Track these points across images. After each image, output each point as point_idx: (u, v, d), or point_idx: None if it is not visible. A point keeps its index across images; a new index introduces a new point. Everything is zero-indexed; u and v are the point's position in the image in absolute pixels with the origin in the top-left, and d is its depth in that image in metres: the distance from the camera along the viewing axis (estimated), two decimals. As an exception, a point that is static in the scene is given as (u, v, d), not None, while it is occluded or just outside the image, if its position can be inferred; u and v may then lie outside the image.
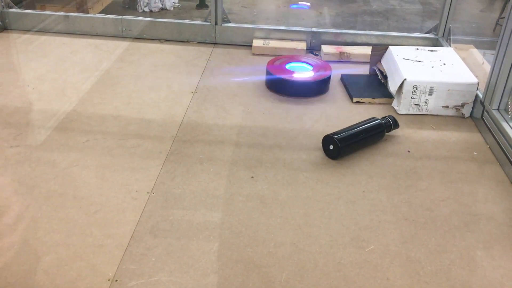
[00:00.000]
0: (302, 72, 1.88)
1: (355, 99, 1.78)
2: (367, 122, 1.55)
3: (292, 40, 2.19)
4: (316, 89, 1.83)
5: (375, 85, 1.89)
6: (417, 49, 1.90)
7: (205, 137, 1.56)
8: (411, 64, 1.77)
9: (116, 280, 1.05)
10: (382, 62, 1.91)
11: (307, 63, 1.93)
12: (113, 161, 1.42)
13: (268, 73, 1.87)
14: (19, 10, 2.27)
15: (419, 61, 1.79)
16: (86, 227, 1.19)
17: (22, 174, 1.35)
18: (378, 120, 1.55)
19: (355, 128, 1.52)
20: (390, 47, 1.89)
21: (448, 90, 1.67)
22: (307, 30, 2.20)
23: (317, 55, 2.16)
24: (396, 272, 1.09)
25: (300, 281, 1.06)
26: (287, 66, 1.90)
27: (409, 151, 1.50)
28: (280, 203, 1.29)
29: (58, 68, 1.94)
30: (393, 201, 1.30)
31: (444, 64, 1.78)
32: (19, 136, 1.51)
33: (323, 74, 1.85)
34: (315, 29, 2.20)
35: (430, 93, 1.68)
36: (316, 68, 1.89)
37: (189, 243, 1.15)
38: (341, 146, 1.44)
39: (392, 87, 1.77)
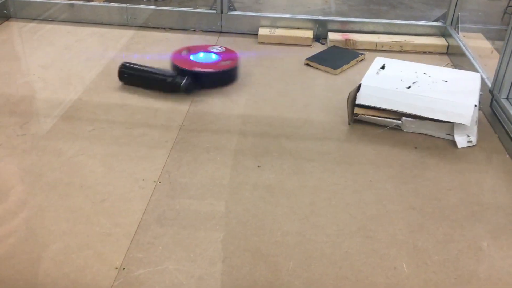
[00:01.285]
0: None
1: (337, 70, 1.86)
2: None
3: (298, 28, 2.17)
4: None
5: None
6: (378, 72, 1.65)
7: (211, 126, 1.55)
8: (433, 86, 1.55)
9: (124, 269, 1.05)
10: (371, 100, 1.54)
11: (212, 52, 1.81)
12: (119, 150, 1.42)
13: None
14: (24, -1, 2.26)
15: (414, 82, 1.58)
16: (93, 216, 1.19)
17: (29, 163, 1.35)
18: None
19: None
20: (363, 82, 1.57)
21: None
22: (313, 18, 2.18)
23: (323, 43, 2.14)
24: (404, 261, 1.09)
25: (307, 270, 1.06)
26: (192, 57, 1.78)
27: (416, 147, 1.48)
28: (287, 193, 1.28)
29: (64, 57, 1.94)
30: (400, 191, 1.30)
31: (430, 77, 1.62)
32: (25, 125, 1.51)
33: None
34: (322, 17, 2.18)
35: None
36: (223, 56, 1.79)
37: (196, 232, 1.15)
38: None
39: (455, 118, 1.45)
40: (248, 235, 1.15)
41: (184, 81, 1.52)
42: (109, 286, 1.01)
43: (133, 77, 1.63)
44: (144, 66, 1.63)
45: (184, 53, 1.80)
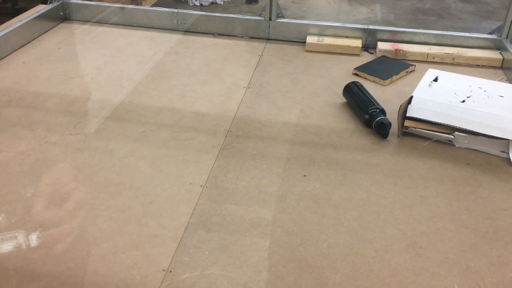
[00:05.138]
0: None
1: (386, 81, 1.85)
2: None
3: (347, 37, 2.15)
4: None
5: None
6: (430, 84, 1.64)
7: (258, 133, 1.55)
8: (489, 101, 1.51)
9: (171, 271, 1.06)
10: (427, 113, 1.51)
11: None
12: (167, 153, 1.44)
13: None
14: (79, 1, 2.34)
15: (468, 96, 1.55)
16: (142, 217, 1.21)
17: (81, 162, 1.39)
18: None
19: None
20: (415, 95, 1.55)
21: None
22: (362, 27, 2.16)
23: (372, 53, 2.11)
24: (455, 281, 1.05)
25: (354, 284, 1.04)
26: None
27: (468, 164, 1.44)
28: (333, 204, 1.27)
29: (116, 59, 1.99)
30: (452, 208, 1.26)
31: (485, 92, 1.58)
32: (78, 124, 1.56)
33: None
34: (371, 27, 2.15)
35: None
36: None
37: (241, 239, 1.15)
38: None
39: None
40: (294, 245, 1.14)
41: (377, 120, 1.52)
42: (157, 287, 1.02)
43: (348, 96, 1.70)
44: (364, 93, 1.66)
45: None
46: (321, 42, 2.11)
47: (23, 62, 1.93)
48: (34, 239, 1.12)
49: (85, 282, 1.03)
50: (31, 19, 2.11)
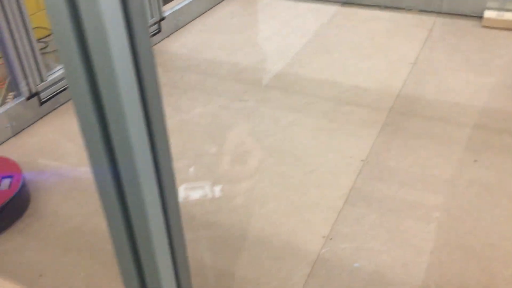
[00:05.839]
0: None
1: None
2: None
3: (534, 12, 1.91)
4: None
5: None
6: None
7: (424, 112, 1.49)
8: None
9: (331, 239, 1.09)
10: None
11: None
12: (329, 125, 1.46)
13: None
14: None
15: None
16: (303, 185, 1.25)
17: (249, 127, 1.48)
18: None
19: None
20: None
21: None
22: (554, 1, 1.89)
23: None
24: None
25: (529, 283, 0.96)
26: None
27: None
28: (508, 194, 1.17)
29: (282, 31, 2.05)
30: None
31: None
32: (247, 92, 1.65)
33: None
34: None
35: None
36: None
37: (403, 219, 1.13)
38: None
39: None
40: (461, 232, 1.08)
41: None
42: (317, 252, 1.06)
43: None
44: None
45: None
46: (501, 18, 1.91)
47: (201, 31, 2.09)
48: (211, 192, 1.24)
49: (252, 237, 1.11)
50: (207, -9, 2.27)
